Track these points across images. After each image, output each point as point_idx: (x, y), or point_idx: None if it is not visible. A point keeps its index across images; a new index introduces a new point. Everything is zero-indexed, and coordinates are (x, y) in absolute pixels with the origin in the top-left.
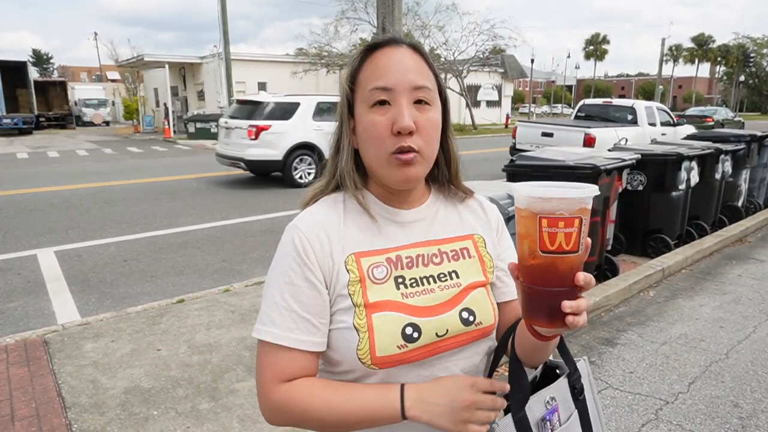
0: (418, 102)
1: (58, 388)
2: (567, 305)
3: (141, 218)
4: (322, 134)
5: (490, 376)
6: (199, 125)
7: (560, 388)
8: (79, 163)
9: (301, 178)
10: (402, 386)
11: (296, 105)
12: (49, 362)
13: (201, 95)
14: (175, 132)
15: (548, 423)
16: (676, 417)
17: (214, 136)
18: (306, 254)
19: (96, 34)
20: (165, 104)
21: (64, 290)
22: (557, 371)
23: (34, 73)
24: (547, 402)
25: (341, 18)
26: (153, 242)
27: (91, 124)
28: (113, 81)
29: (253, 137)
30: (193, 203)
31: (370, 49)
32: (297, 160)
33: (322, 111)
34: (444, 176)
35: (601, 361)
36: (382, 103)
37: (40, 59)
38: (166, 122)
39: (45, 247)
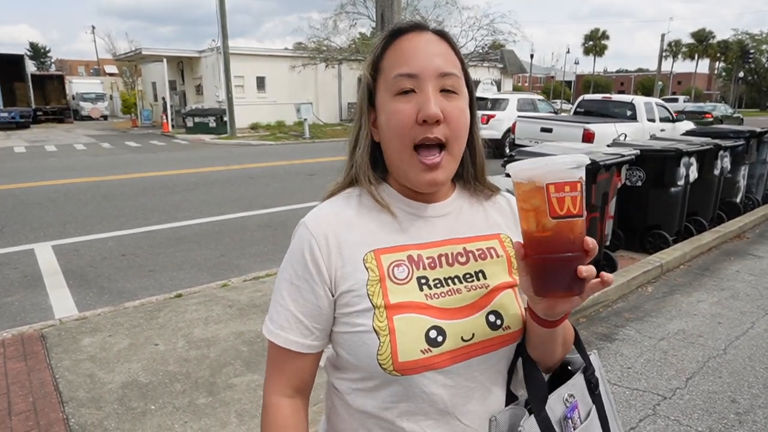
0: (445, 90)
1: (55, 383)
2: (583, 270)
3: (139, 213)
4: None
5: (509, 380)
6: (197, 119)
7: (577, 384)
8: (77, 157)
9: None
10: None
11: (507, 101)
12: (46, 357)
13: (199, 89)
14: (173, 126)
15: (570, 421)
16: (674, 412)
17: (212, 131)
18: (311, 254)
19: (93, 27)
20: (163, 98)
21: (61, 285)
22: (569, 367)
23: (31, 67)
24: (566, 399)
25: (340, 12)
26: (151, 237)
27: (88, 118)
28: (111, 75)
29: (485, 122)
30: (192, 198)
31: (394, 35)
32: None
33: (521, 104)
34: (469, 173)
35: (599, 356)
36: (407, 90)
37: (38, 53)
38: (164, 116)
39: (42, 242)
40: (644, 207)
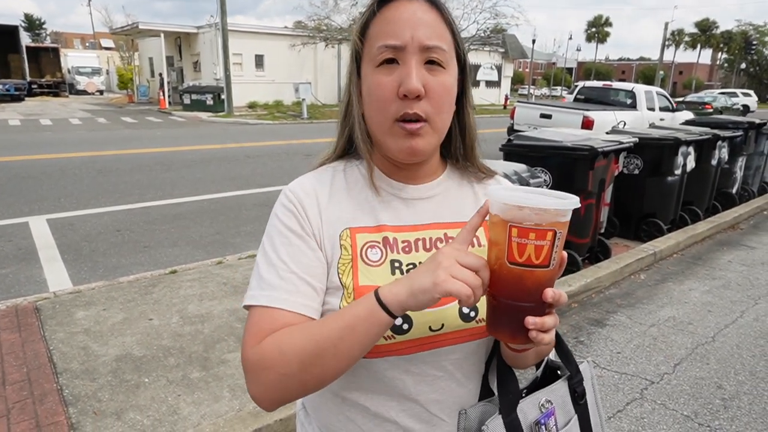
0: (431, 62)
1: (49, 354)
2: (530, 321)
3: (134, 189)
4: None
5: (485, 376)
6: (194, 97)
7: (558, 391)
8: (73, 131)
9: None
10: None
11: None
12: (40, 329)
13: (197, 66)
14: (170, 103)
15: (543, 427)
16: (660, 396)
17: (209, 108)
18: (305, 211)
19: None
20: (160, 74)
21: (56, 258)
22: (558, 372)
23: (26, 39)
24: (542, 405)
25: None
26: (146, 213)
27: (84, 92)
28: (107, 49)
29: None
30: (188, 175)
31: (383, 1)
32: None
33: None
34: (458, 150)
35: (590, 341)
36: (390, 62)
37: (33, 24)
38: (161, 93)
39: (37, 215)
40: (640, 195)
